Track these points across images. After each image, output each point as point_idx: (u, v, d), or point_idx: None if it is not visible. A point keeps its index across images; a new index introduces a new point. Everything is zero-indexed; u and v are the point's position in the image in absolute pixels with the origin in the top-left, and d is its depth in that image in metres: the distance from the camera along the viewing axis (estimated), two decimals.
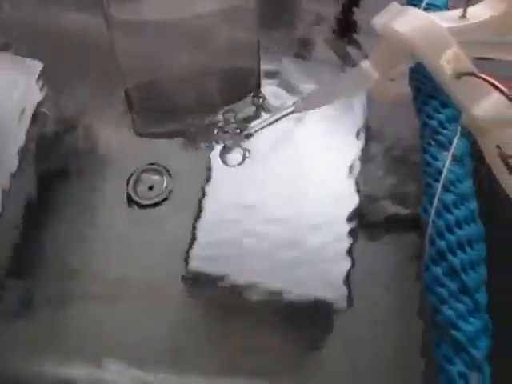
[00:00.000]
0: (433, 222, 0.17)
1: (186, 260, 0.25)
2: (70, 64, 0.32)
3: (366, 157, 0.30)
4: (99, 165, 0.30)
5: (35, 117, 0.29)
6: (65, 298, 0.26)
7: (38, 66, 0.30)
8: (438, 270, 0.17)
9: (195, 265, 0.25)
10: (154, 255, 0.27)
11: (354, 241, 0.26)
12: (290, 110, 0.26)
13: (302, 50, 0.35)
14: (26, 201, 0.29)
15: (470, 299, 0.16)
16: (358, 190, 0.28)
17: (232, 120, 0.30)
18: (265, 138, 0.29)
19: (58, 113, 0.31)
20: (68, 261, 0.27)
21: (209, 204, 0.27)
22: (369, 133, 0.30)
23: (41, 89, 0.29)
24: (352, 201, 0.28)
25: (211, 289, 0.26)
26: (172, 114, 0.30)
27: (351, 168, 0.29)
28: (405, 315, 0.26)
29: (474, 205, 0.18)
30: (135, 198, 0.29)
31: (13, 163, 0.27)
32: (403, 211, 0.27)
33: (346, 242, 0.26)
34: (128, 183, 0.29)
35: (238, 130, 0.29)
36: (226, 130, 0.29)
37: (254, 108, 0.30)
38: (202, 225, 0.26)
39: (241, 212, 0.27)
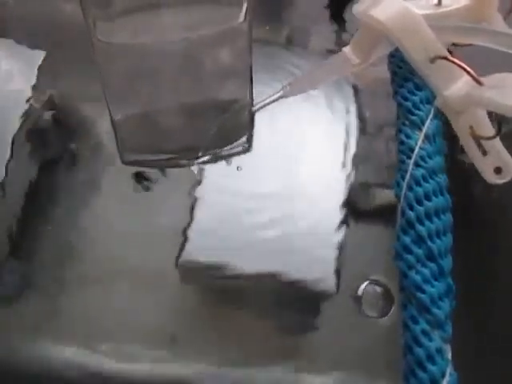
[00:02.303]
0: (404, 195, 0.19)
1: (181, 247, 0.26)
2: (69, 54, 0.32)
3: (358, 144, 0.30)
4: (97, 152, 0.31)
5: (33, 105, 0.29)
6: (59, 283, 0.27)
7: (39, 54, 0.30)
8: (406, 239, 0.18)
9: (190, 252, 0.26)
10: (150, 240, 0.28)
11: (346, 226, 0.27)
12: (278, 95, 0.27)
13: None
14: (22, 187, 0.29)
15: (435, 264, 0.18)
16: (351, 177, 0.29)
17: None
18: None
19: (57, 101, 0.31)
20: (63, 246, 0.28)
21: (203, 193, 0.28)
22: (361, 119, 0.31)
23: (40, 77, 0.30)
24: (344, 187, 0.28)
25: (206, 276, 0.26)
26: (159, 144, 0.29)
27: (344, 156, 0.30)
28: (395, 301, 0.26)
29: (442, 179, 0.19)
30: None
31: (7, 151, 0.27)
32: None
33: (338, 228, 0.27)
34: None
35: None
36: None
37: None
38: (197, 212, 0.27)
39: (235, 201, 0.28)
